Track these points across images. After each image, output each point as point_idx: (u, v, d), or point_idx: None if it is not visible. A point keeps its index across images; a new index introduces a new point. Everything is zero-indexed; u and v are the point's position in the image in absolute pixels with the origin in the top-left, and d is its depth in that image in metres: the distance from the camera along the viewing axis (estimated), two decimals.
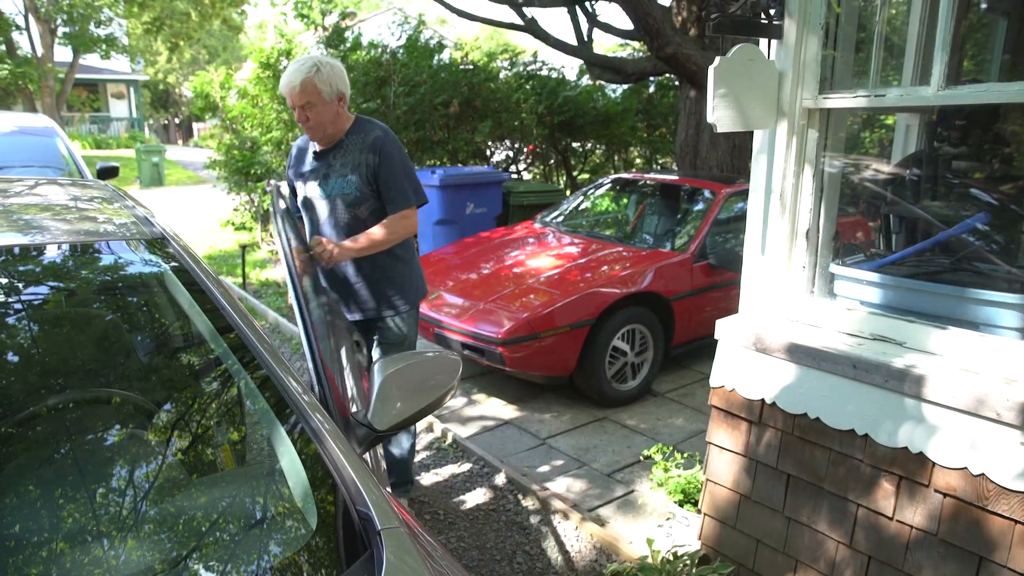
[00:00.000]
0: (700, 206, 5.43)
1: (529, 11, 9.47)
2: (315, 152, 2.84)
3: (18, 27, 21.28)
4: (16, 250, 1.60)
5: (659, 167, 11.77)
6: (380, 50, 8.08)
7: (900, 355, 2.07)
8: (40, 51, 21.92)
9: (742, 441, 2.48)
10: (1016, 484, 1.80)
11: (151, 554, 1.11)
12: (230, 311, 1.59)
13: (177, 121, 49.90)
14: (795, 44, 2.16)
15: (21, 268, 1.60)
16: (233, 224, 9.30)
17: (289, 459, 1.33)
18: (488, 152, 9.64)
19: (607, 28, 9.38)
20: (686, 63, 6.82)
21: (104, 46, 22.66)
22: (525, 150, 10.40)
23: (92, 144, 24.85)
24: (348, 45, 7.60)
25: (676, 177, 6.37)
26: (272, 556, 1.17)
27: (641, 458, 3.70)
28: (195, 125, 51.27)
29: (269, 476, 1.33)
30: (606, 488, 3.53)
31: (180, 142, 44.80)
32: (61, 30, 22.01)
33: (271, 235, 9.54)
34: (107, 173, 7.34)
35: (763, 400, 2.38)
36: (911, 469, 2.02)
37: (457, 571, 1.30)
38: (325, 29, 8.96)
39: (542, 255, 5.20)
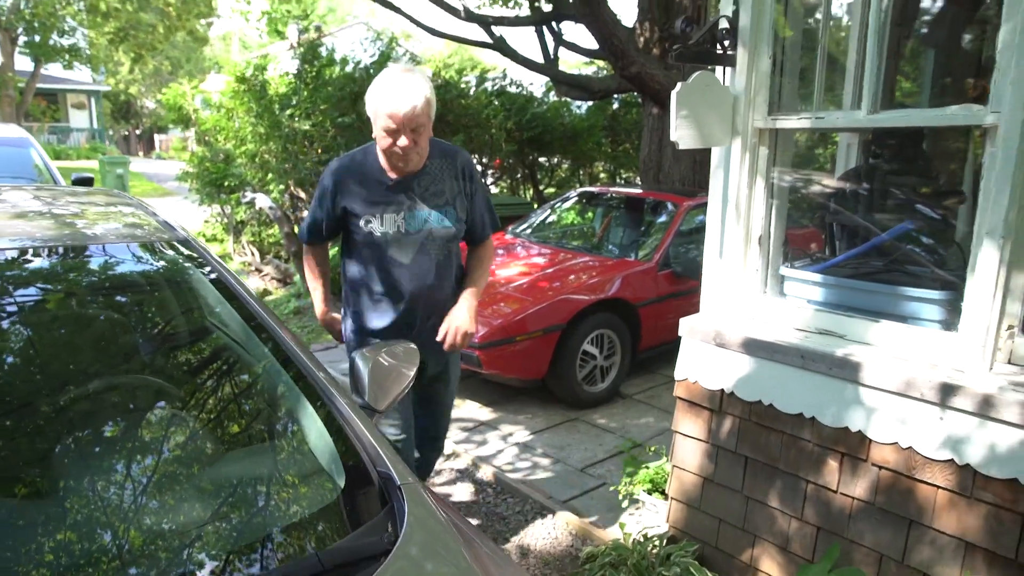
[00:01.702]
0: (663, 218, 5.72)
1: (498, 30, 9.76)
2: (389, 181, 2.44)
3: None
4: (60, 249, 1.79)
5: (623, 181, 12.11)
6: (353, 65, 8.28)
7: (841, 346, 2.34)
8: (0, 60, 21.66)
9: (704, 428, 2.74)
10: (937, 454, 2.07)
11: (218, 504, 1.32)
12: (251, 302, 1.80)
13: (138, 132, 49.31)
14: (747, 72, 2.44)
15: (63, 265, 1.78)
16: (204, 236, 9.40)
17: (318, 431, 1.54)
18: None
19: (573, 47, 9.70)
20: (650, 82, 7.13)
21: (67, 56, 22.47)
22: (493, 165, 10.67)
23: (52, 155, 24.49)
24: (323, 61, 7.76)
25: (640, 191, 6.69)
26: (310, 509, 1.38)
27: (615, 449, 3.94)
28: (156, 137, 50.74)
29: (304, 445, 1.54)
30: (580, 481, 3.77)
31: (141, 154, 44.19)
32: (23, 39, 21.75)
33: (243, 246, 9.65)
34: (82, 184, 7.42)
35: (723, 390, 2.64)
36: (852, 446, 2.29)
37: (461, 520, 1.52)
38: (299, 45, 9.14)
39: (514, 265, 5.44)
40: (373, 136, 2.42)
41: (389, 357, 1.93)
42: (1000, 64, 1.91)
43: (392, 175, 2.43)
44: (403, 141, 2.29)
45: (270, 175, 7.78)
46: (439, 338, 2.49)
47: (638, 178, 9.38)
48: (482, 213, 2.62)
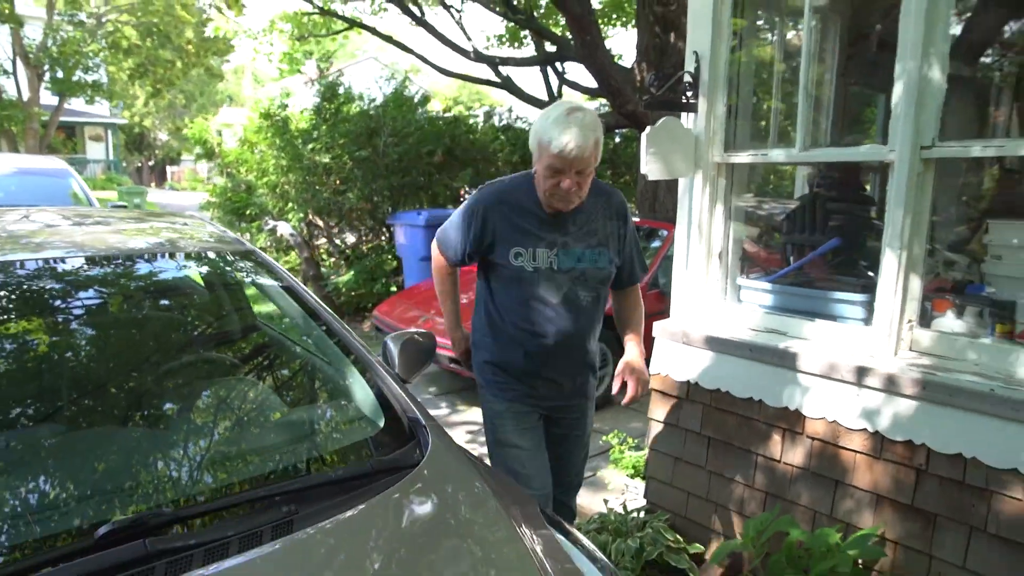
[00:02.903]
0: (655, 243, 6.25)
1: (504, 69, 10.42)
2: (543, 214, 2.34)
3: (6, 72, 21.90)
4: (162, 255, 2.31)
5: None
6: (369, 102, 8.91)
7: (783, 341, 2.84)
8: (27, 95, 22.52)
9: (675, 414, 3.23)
10: (855, 424, 2.56)
11: (301, 432, 1.83)
12: (307, 297, 2.32)
13: (151, 164, 50.38)
14: (706, 117, 2.98)
15: (160, 268, 2.31)
16: None
17: (364, 389, 2.04)
18: (462, 197, 10.48)
19: (575, 86, 10.33)
20: (644, 119, 7.70)
21: (90, 91, 23.34)
22: None
23: None
24: (341, 100, 8.38)
25: (636, 219, 7.22)
26: (362, 436, 1.88)
27: (601, 441, 4.41)
28: (168, 168, 51.79)
29: (355, 398, 2.05)
30: None
31: (153, 184, 45.08)
32: (49, 75, 22.61)
33: None
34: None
35: (689, 381, 3.13)
36: (791, 422, 2.78)
37: (471, 455, 2.01)
38: (315, 81, 9.79)
39: None
40: (533, 169, 2.34)
41: (412, 343, 2.44)
42: (895, 112, 2.44)
43: (548, 210, 2.33)
44: (567, 183, 2.19)
45: (290, 204, 8.36)
46: (615, 390, 2.52)
47: (635, 208, 9.94)
48: (632, 256, 2.54)
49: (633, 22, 9.24)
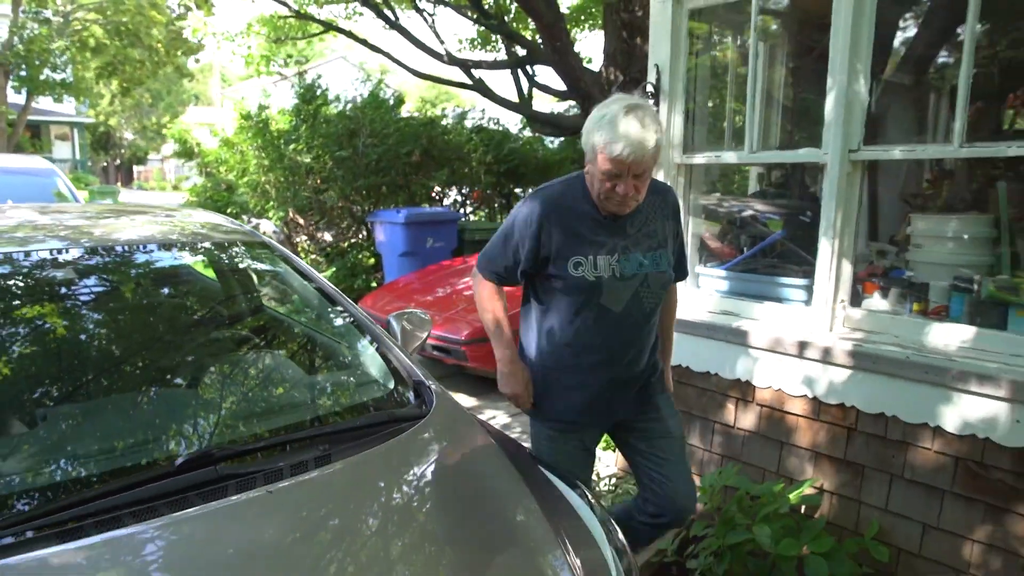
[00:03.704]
0: None
1: (477, 72, 10.73)
2: (600, 218, 2.17)
3: None
4: (198, 244, 2.62)
5: None
6: (345, 103, 9.18)
7: (736, 321, 3.21)
8: None
9: None
10: (797, 391, 2.95)
11: (324, 392, 2.16)
12: (320, 279, 2.64)
13: (116, 163, 49.81)
14: (667, 122, 3.34)
15: (200, 255, 2.61)
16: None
17: (372, 356, 2.37)
18: (438, 196, 10.79)
19: (545, 89, 10.67)
20: None
21: (58, 89, 23.18)
22: (472, 195, 11.58)
23: None
24: (319, 101, 8.64)
25: None
26: (376, 395, 2.21)
27: None
28: (135, 168, 51.22)
29: (367, 364, 2.38)
30: None
31: (119, 184, 44.57)
32: (15, 73, 22.41)
33: None
34: None
35: None
36: (743, 392, 3.16)
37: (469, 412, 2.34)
38: (287, 78, 10.02)
39: None
40: (585, 169, 2.17)
41: (410, 322, 2.76)
42: (827, 119, 2.83)
43: (603, 213, 2.16)
44: (623, 188, 2.03)
45: (271, 203, 8.61)
46: None
47: None
48: (682, 254, 2.43)
49: (601, 24, 9.61)
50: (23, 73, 22.37)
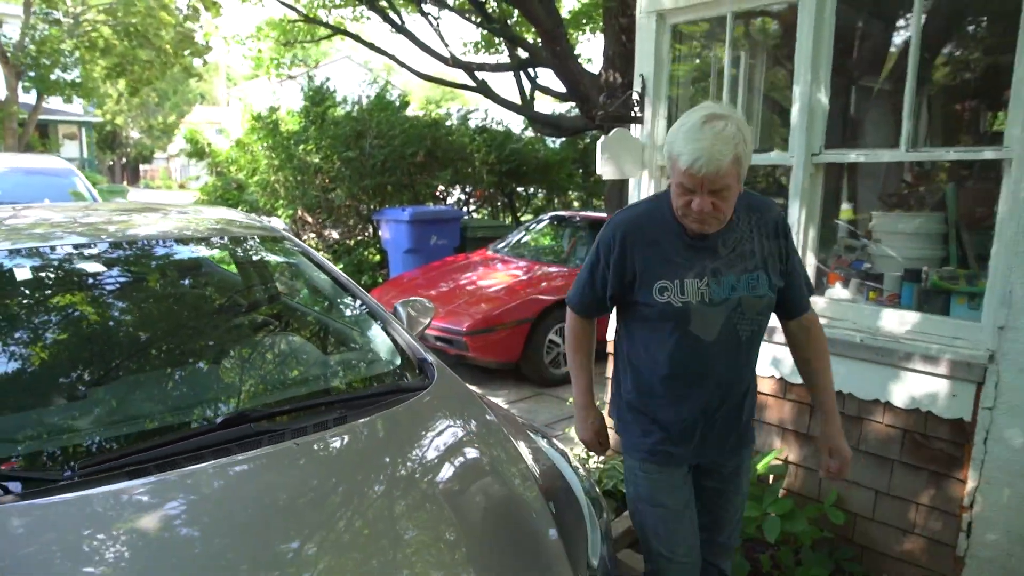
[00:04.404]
0: None
1: (480, 74, 11.04)
2: (687, 238, 1.98)
3: None
4: (226, 239, 2.93)
5: (594, 209, 13.39)
6: (352, 105, 9.50)
7: None
8: (4, 94, 22.68)
9: None
10: (767, 372, 3.24)
11: (340, 367, 2.47)
12: (334, 270, 2.94)
13: (123, 162, 50.26)
14: (651, 127, 3.64)
15: (229, 247, 2.92)
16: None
17: (381, 337, 2.68)
18: (442, 195, 11.12)
19: (546, 91, 10.97)
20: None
21: (68, 90, 23.55)
22: (475, 194, 11.91)
23: None
24: (328, 104, 8.96)
25: (602, 214, 7.91)
26: (384, 369, 2.52)
27: (568, 404, 5.08)
28: (142, 167, 51.69)
29: (376, 344, 2.69)
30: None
31: (126, 183, 44.94)
32: (26, 73, 22.78)
33: None
34: None
35: None
36: None
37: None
38: (291, 78, 10.34)
39: (494, 274, 6.61)
40: (669, 183, 1.97)
41: (414, 309, 3.07)
42: (793, 126, 3.12)
43: (690, 231, 1.97)
44: (698, 204, 1.85)
45: (280, 201, 8.93)
46: (823, 472, 2.18)
47: (604, 205, 10.64)
48: (798, 277, 2.13)
49: (601, 27, 9.90)
50: (32, 74, 22.73)
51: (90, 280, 2.37)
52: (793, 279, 2.10)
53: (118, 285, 2.44)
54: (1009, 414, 2.59)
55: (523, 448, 2.19)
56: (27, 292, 2.27)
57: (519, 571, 1.75)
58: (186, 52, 24.47)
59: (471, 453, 2.13)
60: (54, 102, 29.82)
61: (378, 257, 8.94)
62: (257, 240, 2.96)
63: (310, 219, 9.11)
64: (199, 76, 28.64)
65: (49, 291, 2.29)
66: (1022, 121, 2.50)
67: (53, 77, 22.92)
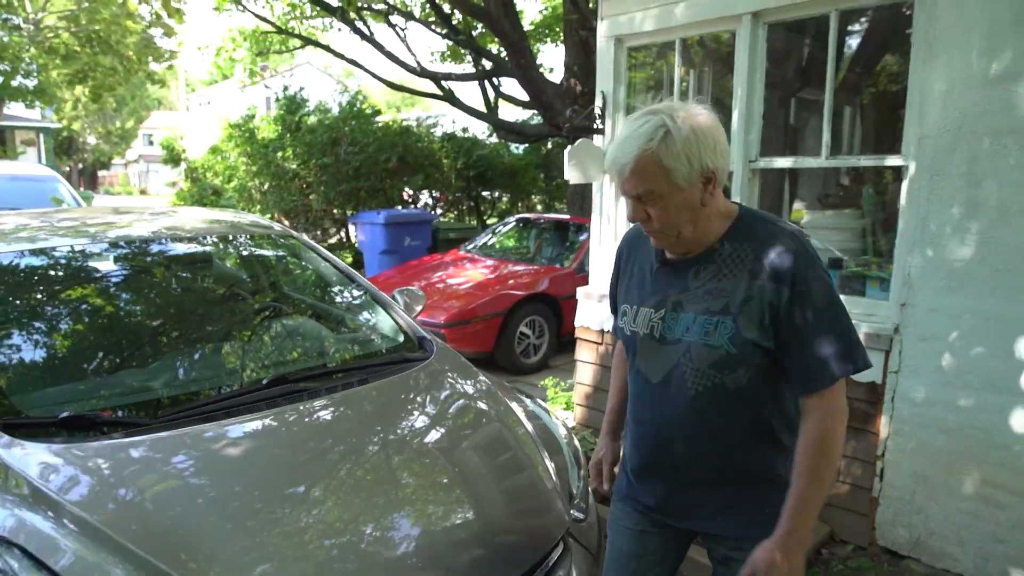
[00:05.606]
0: (582, 236, 7.42)
1: (447, 83, 11.50)
2: (661, 259, 1.71)
3: None
4: (230, 236, 3.34)
5: (556, 212, 13.91)
6: (324, 113, 9.87)
7: None
8: None
9: (593, 354, 4.38)
10: None
11: (350, 342, 2.92)
12: (339, 263, 3.37)
13: (80, 168, 49.53)
14: (611, 136, 4.13)
15: (245, 243, 3.33)
16: None
17: (385, 318, 3.12)
18: (411, 199, 11.54)
19: (510, 99, 11.47)
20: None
21: (30, 96, 23.39)
22: (441, 198, 12.36)
23: None
24: (302, 111, 9.33)
25: (565, 216, 8.42)
26: (388, 345, 2.96)
27: (539, 385, 5.56)
28: (99, 173, 50.97)
29: (380, 325, 3.13)
30: None
31: (82, 188, 44.27)
32: None
33: None
34: None
35: (602, 329, 4.28)
36: None
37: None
38: (261, 76, 10.68)
39: (466, 272, 7.06)
40: None
41: (409, 297, 3.51)
42: (733, 135, 3.63)
43: (668, 254, 1.70)
44: (630, 211, 1.62)
45: (257, 206, 9.27)
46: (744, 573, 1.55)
47: (567, 207, 11.16)
48: (808, 348, 1.55)
49: (563, 39, 10.41)
50: None
51: (144, 275, 2.82)
52: (795, 348, 1.55)
53: (173, 278, 2.89)
54: (911, 376, 3.13)
55: (515, 405, 2.65)
56: (102, 283, 2.69)
57: (531, 495, 2.24)
58: (150, 58, 24.45)
59: (479, 405, 2.60)
60: (15, 108, 29.47)
61: (350, 258, 9.32)
62: (279, 239, 3.39)
63: (287, 223, 9.46)
64: (162, 82, 28.55)
65: (120, 282, 2.74)
66: (916, 133, 3.04)
67: (15, 83, 22.75)
